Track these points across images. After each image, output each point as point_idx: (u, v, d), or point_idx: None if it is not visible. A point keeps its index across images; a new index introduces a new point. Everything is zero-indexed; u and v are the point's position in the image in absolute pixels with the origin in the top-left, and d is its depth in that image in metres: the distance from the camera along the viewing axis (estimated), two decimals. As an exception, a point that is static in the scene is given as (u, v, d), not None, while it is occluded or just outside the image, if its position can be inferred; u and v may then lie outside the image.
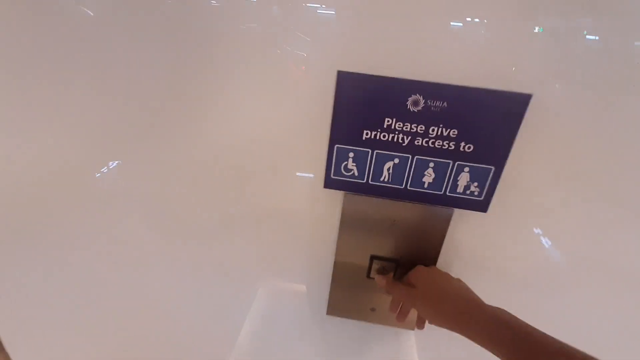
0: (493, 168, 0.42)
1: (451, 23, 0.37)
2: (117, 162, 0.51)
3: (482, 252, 0.50)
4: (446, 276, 0.46)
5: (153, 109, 0.47)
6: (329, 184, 0.47)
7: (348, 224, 0.50)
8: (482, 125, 0.40)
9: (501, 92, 0.38)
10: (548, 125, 0.40)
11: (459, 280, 0.45)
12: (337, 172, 0.46)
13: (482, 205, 0.45)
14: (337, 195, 0.49)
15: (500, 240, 0.49)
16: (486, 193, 0.44)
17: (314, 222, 0.52)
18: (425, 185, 0.45)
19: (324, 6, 0.38)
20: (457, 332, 0.38)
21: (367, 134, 0.43)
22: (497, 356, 0.35)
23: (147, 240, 0.57)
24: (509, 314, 0.37)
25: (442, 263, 0.51)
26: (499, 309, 0.38)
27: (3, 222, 0.57)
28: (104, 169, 0.52)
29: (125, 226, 0.56)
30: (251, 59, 0.42)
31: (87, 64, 0.44)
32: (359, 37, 0.39)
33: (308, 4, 0.38)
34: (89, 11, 0.42)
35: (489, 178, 0.43)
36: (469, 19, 0.36)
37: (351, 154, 0.44)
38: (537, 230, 0.47)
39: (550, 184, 0.44)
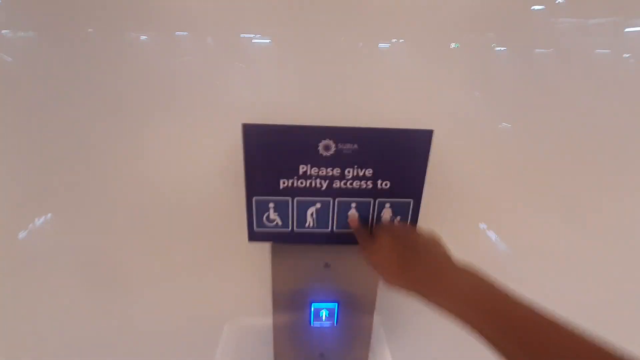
0: (412, 200, 0.43)
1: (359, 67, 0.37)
2: (44, 217, 0.43)
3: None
4: (413, 234, 0.38)
5: (77, 158, 0.41)
6: (253, 236, 0.44)
7: (280, 274, 0.47)
8: (394, 163, 0.41)
9: (405, 130, 0.39)
10: (453, 154, 0.42)
11: (431, 241, 0.37)
12: (260, 223, 0.43)
13: (408, 237, 0.45)
14: (265, 247, 0.46)
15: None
16: (410, 224, 0.45)
17: (246, 276, 0.49)
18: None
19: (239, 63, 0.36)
20: (419, 297, 0.32)
21: (284, 182, 0.41)
22: (467, 326, 0.28)
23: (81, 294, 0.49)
24: (483, 280, 0.30)
25: (382, 297, 0.50)
26: (472, 273, 0.31)
27: None
28: (30, 226, 0.44)
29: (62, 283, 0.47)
30: (169, 109, 0.38)
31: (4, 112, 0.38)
32: (264, 88, 0.38)
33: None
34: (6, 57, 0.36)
35: (410, 210, 0.44)
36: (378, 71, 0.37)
37: (271, 204, 0.42)
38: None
39: (462, 213, 0.46)
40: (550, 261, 0.50)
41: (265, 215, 0.43)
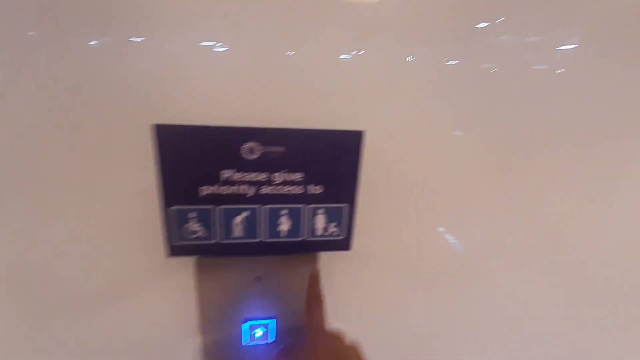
0: (347, 205, 0.41)
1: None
2: None
3: (352, 291, 0.48)
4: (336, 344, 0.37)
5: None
6: (173, 251, 0.39)
7: (206, 291, 0.42)
8: (325, 166, 0.39)
9: (335, 131, 0.37)
10: (386, 154, 0.41)
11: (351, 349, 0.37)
12: (180, 236, 0.39)
13: (344, 244, 0.43)
14: (189, 262, 0.41)
15: (364, 275, 0.48)
16: (346, 231, 0.43)
17: (168, 295, 0.43)
18: (283, 235, 0.41)
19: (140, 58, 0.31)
20: None
21: (204, 190, 0.37)
22: None
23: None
24: None
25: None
26: None
27: None
28: None
29: None
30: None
31: None
32: (178, 86, 0.33)
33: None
34: None
35: (345, 216, 0.42)
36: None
37: (192, 215, 0.38)
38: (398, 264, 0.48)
39: (402, 212, 0.45)
40: (496, 259, 0.51)
41: (185, 226, 0.38)
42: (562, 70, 0.37)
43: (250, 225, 0.40)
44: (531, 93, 0.40)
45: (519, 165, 0.45)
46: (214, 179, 0.37)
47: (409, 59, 0.35)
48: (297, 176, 0.38)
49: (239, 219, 0.39)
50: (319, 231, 0.42)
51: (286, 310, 0.46)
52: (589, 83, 0.40)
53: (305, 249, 0.42)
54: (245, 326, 0.45)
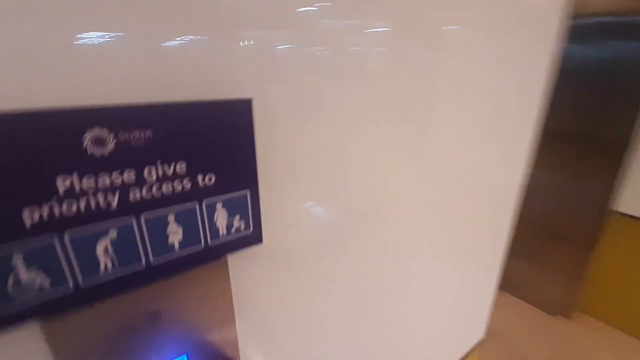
0: (248, 191, 0.34)
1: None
2: None
3: (272, 287, 0.43)
4: None
5: None
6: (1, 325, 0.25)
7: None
8: (212, 148, 0.31)
9: (218, 102, 0.30)
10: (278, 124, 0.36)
11: None
12: (6, 298, 0.24)
13: (255, 238, 0.37)
14: (27, 335, 0.27)
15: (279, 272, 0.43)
16: (254, 222, 0.36)
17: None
18: (176, 247, 0.31)
19: None
20: None
21: (32, 213, 0.24)
22: None
23: None
24: None
25: (240, 321, 0.40)
26: None
27: None
28: None
29: None
30: None
31: None
32: None
33: None
34: None
35: (249, 204, 0.35)
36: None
37: (18, 258, 0.24)
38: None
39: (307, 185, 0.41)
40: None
41: (11, 281, 0.24)
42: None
43: (124, 247, 0.28)
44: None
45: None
46: (47, 194, 0.24)
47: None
48: (179, 167, 0.29)
49: (102, 244, 0.27)
50: (223, 230, 0.34)
51: (199, 339, 0.36)
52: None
53: (211, 256, 0.34)
54: (150, 384, 0.33)
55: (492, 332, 1.04)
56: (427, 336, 0.78)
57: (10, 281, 0.24)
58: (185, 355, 0.35)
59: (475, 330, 0.98)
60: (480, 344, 1.01)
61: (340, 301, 0.52)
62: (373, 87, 0.43)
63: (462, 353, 0.95)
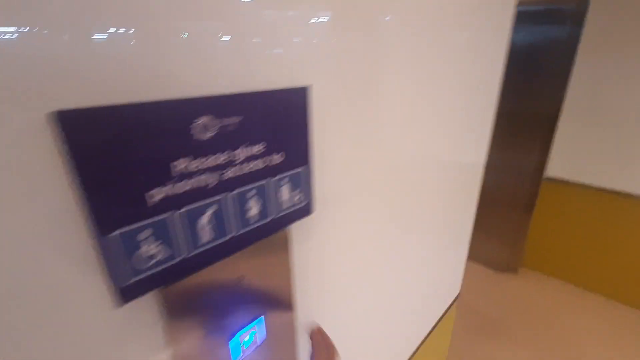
0: (305, 167, 0.40)
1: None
2: None
3: (323, 249, 0.48)
4: None
5: None
6: (127, 295, 0.28)
7: (181, 325, 0.33)
8: (282, 129, 0.35)
9: (288, 89, 0.35)
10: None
11: None
12: (133, 270, 0.27)
13: (308, 209, 0.42)
14: (147, 301, 0.30)
15: (331, 229, 0.49)
16: (308, 195, 0.41)
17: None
18: (253, 221, 0.36)
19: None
20: None
21: (154, 194, 0.27)
22: None
23: None
24: None
25: (299, 283, 0.45)
26: None
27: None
28: None
29: None
30: None
31: None
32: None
33: None
34: None
35: (305, 179, 0.40)
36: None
37: (144, 234, 0.27)
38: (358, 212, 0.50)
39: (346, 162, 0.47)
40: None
41: (139, 252, 0.27)
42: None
43: (218, 222, 0.32)
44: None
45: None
46: (165, 176, 0.28)
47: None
48: (259, 148, 0.34)
49: (205, 218, 0.31)
50: (286, 204, 0.39)
51: (272, 301, 0.41)
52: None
53: (277, 227, 0.39)
54: (234, 341, 0.38)
55: (459, 294, 1.19)
56: (420, 292, 0.88)
57: (137, 255, 0.28)
58: (262, 317, 0.40)
59: (454, 287, 1.13)
60: (459, 298, 1.16)
61: (362, 260, 0.59)
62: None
63: (446, 305, 1.09)
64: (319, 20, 0.38)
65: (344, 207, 0.50)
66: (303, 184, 0.40)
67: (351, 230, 0.53)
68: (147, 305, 0.31)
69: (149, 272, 0.28)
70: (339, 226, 0.50)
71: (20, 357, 0.25)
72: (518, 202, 2.44)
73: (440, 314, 1.08)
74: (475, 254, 2.69)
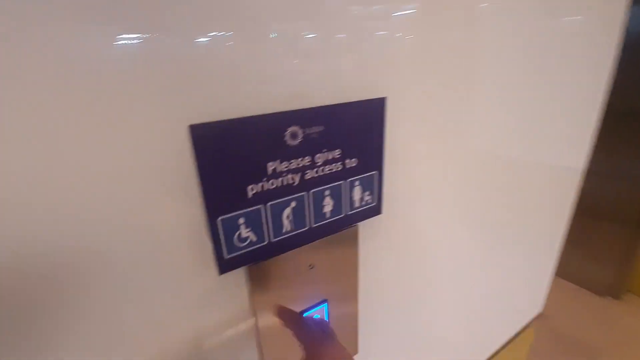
0: (377, 172, 0.43)
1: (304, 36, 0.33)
2: None
3: (388, 248, 0.51)
4: None
5: None
6: (224, 267, 0.35)
7: (261, 298, 0.40)
8: (358, 137, 0.39)
9: (363, 101, 0.38)
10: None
11: None
12: (231, 248, 0.35)
13: (377, 209, 0.45)
14: (238, 273, 0.38)
15: (396, 231, 0.51)
16: (377, 197, 0.44)
17: (219, 317, 0.39)
18: (328, 216, 0.41)
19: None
20: None
21: (252, 189, 0.34)
22: None
23: None
24: None
25: (362, 277, 0.49)
26: None
27: None
28: None
29: None
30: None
31: None
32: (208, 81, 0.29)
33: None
34: None
35: (376, 182, 0.43)
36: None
37: (241, 220, 0.34)
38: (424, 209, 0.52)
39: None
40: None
41: (237, 235, 0.35)
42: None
43: (298, 215, 0.38)
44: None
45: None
46: (261, 175, 0.34)
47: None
48: (336, 153, 0.38)
49: (287, 211, 0.37)
50: (357, 203, 0.43)
51: (336, 288, 0.46)
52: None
53: (349, 222, 0.43)
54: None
55: (542, 314, 1.08)
56: (491, 303, 0.85)
57: (236, 236, 0.35)
58: (326, 302, 0.45)
59: (535, 304, 1.04)
60: (541, 317, 1.06)
61: (429, 268, 0.60)
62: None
63: (523, 322, 1.02)
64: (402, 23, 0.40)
65: (415, 209, 0.52)
66: (374, 187, 0.43)
67: (422, 231, 0.55)
68: (237, 278, 0.38)
69: (242, 251, 0.35)
70: (409, 227, 0.52)
71: (146, 307, 0.34)
72: (627, 216, 2.07)
73: (516, 331, 1.01)
74: (569, 272, 2.38)
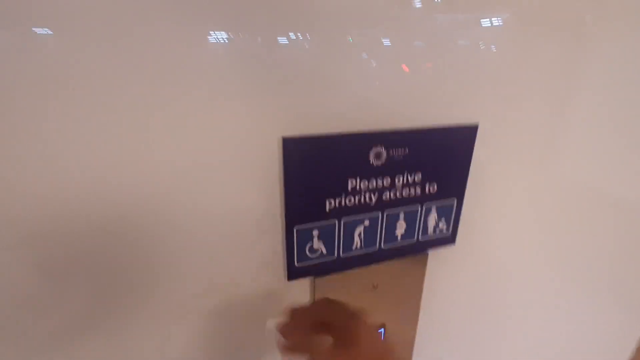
0: (455, 200, 0.41)
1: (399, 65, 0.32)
2: None
3: (456, 281, 0.48)
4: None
5: None
6: (293, 274, 0.36)
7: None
8: (441, 162, 0.38)
9: (454, 127, 0.37)
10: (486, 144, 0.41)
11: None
12: (301, 257, 0.36)
13: (450, 239, 0.43)
14: (304, 283, 0.38)
15: (469, 266, 0.48)
16: (452, 226, 0.42)
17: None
18: (399, 239, 0.39)
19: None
20: None
21: (330, 203, 0.34)
22: None
23: None
24: None
25: (424, 305, 0.47)
26: None
27: None
28: None
29: None
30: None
31: None
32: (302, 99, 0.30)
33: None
34: None
35: (454, 211, 0.41)
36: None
37: (315, 232, 0.35)
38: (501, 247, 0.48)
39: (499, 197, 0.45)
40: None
41: (309, 246, 0.35)
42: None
43: (370, 234, 0.38)
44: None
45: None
46: (341, 191, 0.34)
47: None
48: (417, 177, 0.37)
49: (360, 229, 0.37)
50: (430, 230, 0.41)
51: (396, 312, 0.44)
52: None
53: (420, 249, 0.41)
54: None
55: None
56: (564, 352, 0.75)
57: (308, 247, 0.35)
58: (383, 328, 0.44)
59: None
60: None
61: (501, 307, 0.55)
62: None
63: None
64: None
65: (493, 243, 0.48)
66: (450, 215, 0.41)
67: (497, 268, 0.51)
68: (302, 288, 0.39)
69: (312, 262, 0.36)
70: (483, 262, 0.49)
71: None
72: None
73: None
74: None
